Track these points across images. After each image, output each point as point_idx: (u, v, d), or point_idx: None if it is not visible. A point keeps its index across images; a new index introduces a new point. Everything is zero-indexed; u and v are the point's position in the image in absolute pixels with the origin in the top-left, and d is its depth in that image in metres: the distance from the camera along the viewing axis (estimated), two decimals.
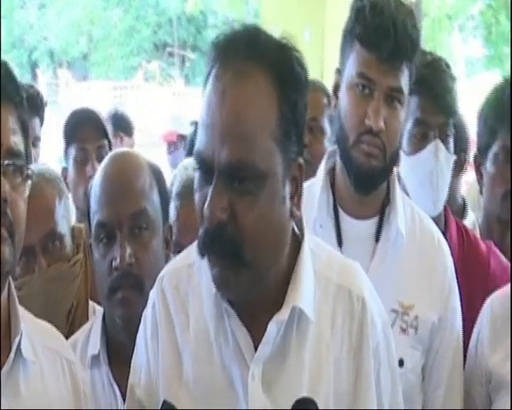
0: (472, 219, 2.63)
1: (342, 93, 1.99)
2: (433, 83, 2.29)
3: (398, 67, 1.91)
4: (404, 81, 1.94)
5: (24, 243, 1.85)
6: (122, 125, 4.90)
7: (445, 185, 2.37)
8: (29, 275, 1.93)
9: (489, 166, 2.45)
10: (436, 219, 2.29)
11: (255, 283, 1.46)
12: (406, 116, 2.01)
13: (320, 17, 6.16)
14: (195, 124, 3.68)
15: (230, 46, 1.44)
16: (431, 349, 2.03)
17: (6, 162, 1.45)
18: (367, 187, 1.99)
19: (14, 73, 1.53)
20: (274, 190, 1.44)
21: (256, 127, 1.40)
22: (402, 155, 2.35)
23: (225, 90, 1.41)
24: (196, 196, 1.46)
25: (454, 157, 2.41)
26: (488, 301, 2.03)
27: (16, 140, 1.48)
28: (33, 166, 1.64)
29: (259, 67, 1.42)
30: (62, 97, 19.03)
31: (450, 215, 2.44)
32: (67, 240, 2.06)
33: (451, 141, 2.38)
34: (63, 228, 2.05)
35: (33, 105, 3.35)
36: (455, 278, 2.06)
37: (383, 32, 1.89)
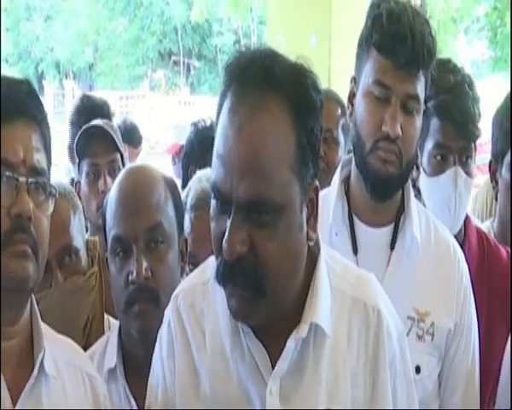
0: (487, 225, 2.62)
1: (358, 100, 1.99)
2: (455, 109, 2.26)
3: (414, 74, 1.92)
4: (421, 89, 1.94)
5: None
6: (130, 134, 4.94)
7: (463, 210, 2.34)
8: (45, 289, 1.93)
9: (504, 172, 2.44)
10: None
11: (273, 310, 1.46)
12: (421, 125, 2.00)
13: (326, 23, 6.14)
14: (195, 125, 3.61)
15: (245, 77, 1.41)
16: (447, 356, 2.03)
17: (30, 180, 1.47)
18: (383, 194, 1.99)
19: (37, 91, 1.54)
20: (292, 220, 1.43)
21: (274, 162, 1.39)
22: (422, 173, 2.36)
23: (242, 126, 1.38)
24: (212, 226, 1.45)
25: (474, 180, 2.38)
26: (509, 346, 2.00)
27: (39, 158, 1.50)
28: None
29: (276, 99, 1.40)
30: (69, 108, 19.08)
31: (471, 223, 2.42)
32: (83, 253, 2.07)
33: (472, 163, 2.34)
34: (78, 242, 2.06)
35: (101, 113, 3.46)
36: (470, 284, 2.06)
37: (400, 39, 1.89)
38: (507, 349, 2.01)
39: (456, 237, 2.14)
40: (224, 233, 1.40)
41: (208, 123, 3.54)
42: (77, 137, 3.05)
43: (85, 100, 3.68)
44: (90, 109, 3.55)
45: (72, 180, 3.16)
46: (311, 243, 1.53)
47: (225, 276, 1.42)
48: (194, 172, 2.60)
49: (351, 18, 6.07)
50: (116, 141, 3.02)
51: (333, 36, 6.05)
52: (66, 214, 2.03)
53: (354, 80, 2.03)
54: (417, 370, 1.94)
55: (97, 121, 3.10)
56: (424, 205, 2.25)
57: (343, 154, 2.96)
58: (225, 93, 1.44)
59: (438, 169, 2.32)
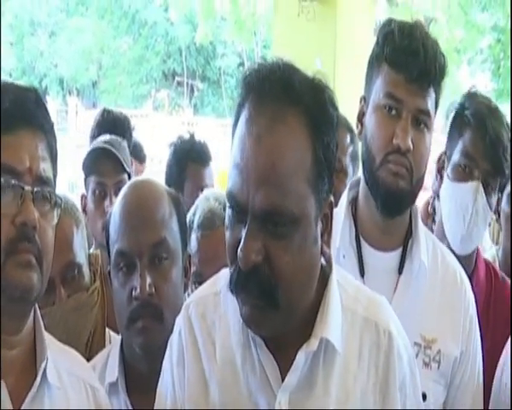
0: (492, 253, 2.62)
1: (369, 116, 1.98)
2: (490, 126, 2.23)
3: (425, 89, 1.90)
4: (431, 104, 1.93)
5: None
6: (135, 151, 4.93)
7: (476, 229, 2.30)
8: (48, 307, 1.91)
9: (504, 205, 2.45)
10: (466, 258, 2.28)
11: (286, 322, 1.46)
12: (431, 141, 1.98)
13: (331, 47, 6.17)
14: (172, 150, 3.62)
15: (265, 88, 1.42)
16: (452, 384, 2.01)
17: (36, 190, 1.45)
18: (393, 209, 1.97)
19: (44, 101, 1.53)
20: (307, 232, 1.43)
21: (291, 173, 1.39)
22: (445, 178, 2.33)
23: (260, 137, 1.39)
24: (227, 235, 1.45)
25: (490, 214, 2.35)
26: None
27: (45, 167, 1.48)
28: None
29: (294, 112, 1.41)
30: (71, 124, 19.13)
31: (481, 256, 2.41)
32: (85, 269, 2.05)
33: (494, 196, 2.31)
34: (81, 258, 2.03)
35: (121, 127, 3.53)
36: (476, 313, 2.05)
37: (412, 53, 1.89)
38: (500, 363, 1.99)
39: (465, 268, 2.12)
40: (239, 242, 1.40)
41: (187, 136, 3.59)
42: (86, 154, 3.05)
43: (106, 115, 3.69)
44: (111, 124, 3.56)
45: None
46: (325, 259, 1.53)
47: (239, 284, 1.43)
48: None
49: (355, 41, 6.11)
50: (123, 163, 3.02)
51: (337, 59, 6.08)
52: (69, 230, 2.00)
53: (364, 99, 2.02)
54: (423, 397, 1.90)
55: (108, 140, 3.09)
56: (434, 221, 2.24)
57: None
58: (243, 103, 1.44)
59: (461, 178, 2.29)
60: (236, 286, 1.44)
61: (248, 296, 1.43)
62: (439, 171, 2.39)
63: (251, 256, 1.39)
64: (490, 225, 2.46)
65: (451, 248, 2.25)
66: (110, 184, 2.95)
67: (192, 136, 3.63)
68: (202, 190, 3.53)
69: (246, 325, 1.49)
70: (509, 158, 2.25)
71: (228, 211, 1.45)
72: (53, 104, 21.07)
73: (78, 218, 2.10)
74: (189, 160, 3.50)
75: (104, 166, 2.99)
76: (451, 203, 2.31)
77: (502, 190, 2.33)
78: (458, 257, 2.15)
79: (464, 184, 2.28)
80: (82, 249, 2.05)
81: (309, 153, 1.42)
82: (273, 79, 1.42)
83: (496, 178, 2.28)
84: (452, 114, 2.35)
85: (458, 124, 2.30)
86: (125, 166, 3.00)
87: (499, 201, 2.45)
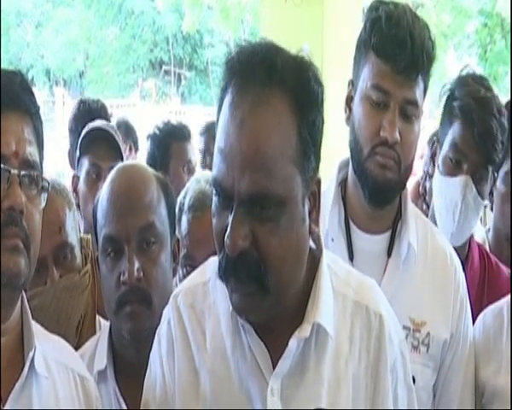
0: (482, 235, 2.61)
1: (356, 104, 1.96)
2: (479, 119, 2.21)
3: (413, 79, 1.89)
4: (419, 94, 1.91)
5: None
6: (133, 136, 4.96)
7: (468, 224, 2.30)
8: (40, 286, 1.90)
9: (499, 184, 2.43)
10: (460, 246, 2.27)
11: (276, 306, 1.45)
12: (420, 129, 1.97)
13: (318, 31, 6.15)
14: (151, 138, 3.74)
15: (247, 71, 1.40)
16: (442, 367, 2.00)
17: (22, 173, 1.43)
18: (381, 200, 1.96)
19: (30, 84, 1.51)
20: (294, 213, 1.42)
21: (276, 156, 1.38)
22: (436, 172, 2.33)
23: (244, 120, 1.38)
24: (214, 221, 1.44)
25: (484, 203, 2.35)
26: (481, 315, 2.03)
27: (32, 151, 1.47)
28: None
29: (277, 93, 1.40)
30: (59, 115, 19.03)
31: (474, 241, 2.41)
32: (77, 251, 2.04)
33: (486, 186, 2.30)
34: (73, 239, 2.03)
35: (98, 116, 3.51)
36: (467, 294, 2.04)
37: (400, 44, 1.86)
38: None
39: (458, 253, 2.11)
40: (226, 229, 1.39)
41: (163, 124, 3.74)
42: (83, 133, 3.06)
43: (82, 106, 3.69)
44: (87, 114, 3.56)
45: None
46: (313, 240, 1.52)
47: (228, 271, 1.42)
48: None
49: (343, 26, 6.09)
50: (120, 147, 3.02)
51: (325, 44, 6.05)
52: (62, 211, 2.01)
53: (352, 83, 2.00)
54: (412, 380, 1.92)
55: (104, 124, 3.10)
56: (428, 206, 2.23)
57: None
58: (226, 87, 1.42)
59: (450, 171, 2.29)
60: (225, 273, 1.43)
61: (237, 283, 1.42)
62: (433, 157, 2.39)
63: (238, 242, 1.38)
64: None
65: None
66: (105, 167, 2.94)
67: (168, 120, 3.74)
68: (188, 166, 3.61)
69: (236, 313, 1.48)
70: (499, 147, 2.24)
71: (214, 198, 1.44)
72: (40, 95, 20.94)
73: (70, 200, 2.10)
74: (171, 138, 3.66)
75: (101, 148, 3.00)
76: (442, 198, 2.31)
77: (497, 170, 2.32)
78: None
79: (453, 178, 2.27)
80: (74, 231, 2.05)
81: (294, 133, 1.40)
82: (255, 62, 1.40)
83: (487, 169, 2.27)
84: (443, 100, 2.33)
85: (448, 112, 2.29)
86: (121, 150, 3.01)
87: (493, 190, 2.45)
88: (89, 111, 3.63)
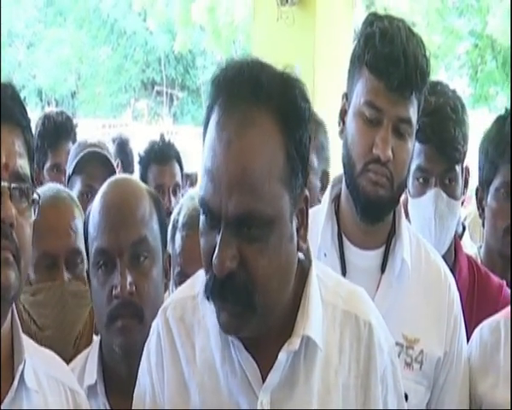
0: (474, 251, 2.61)
1: (349, 120, 1.95)
2: (433, 134, 2.24)
3: (407, 97, 1.88)
4: (413, 111, 1.91)
5: (49, 250, 1.90)
6: (130, 156, 4.97)
7: (445, 232, 2.32)
8: (48, 282, 1.89)
9: (490, 200, 2.44)
10: (446, 254, 2.28)
11: (264, 324, 1.45)
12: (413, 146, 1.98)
13: (310, 51, 6.18)
14: (141, 159, 3.78)
15: (233, 90, 1.40)
16: (436, 385, 1.99)
17: (13, 186, 1.43)
18: (373, 217, 1.96)
19: (21, 97, 1.51)
20: (283, 232, 1.42)
21: (263, 176, 1.38)
22: (408, 197, 2.35)
23: (230, 142, 1.37)
24: (202, 242, 1.44)
25: (459, 202, 2.36)
26: (477, 329, 2.03)
27: (22, 164, 1.46)
28: (52, 186, 1.58)
29: (264, 111, 1.39)
30: None
31: (461, 250, 2.41)
32: (85, 262, 2.04)
33: (457, 185, 2.32)
34: (82, 249, 2.03)
35: (65, 131, 3.47)
36: (461, 311, 2.03)
37: (393, 61, 1.86)
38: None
39: (446, 261, 2.11)
40: (214, 249, 1.38)
41: (148, 145, 3.79)
42: (79, 155, 3.05)
43: (46, 122, 3.59)
44: (53, 130, 3.51)
45: None
46: (301, 254, 1.52)
47: (215, 292, 1.41)
48: None
49: (334, 46, 6.12)
50: (113, 166, 3.02)
51: (316, 64, 6.08)
52: (75, 217, 2.05)
53: (346, 97, 1.99)
54: (405, 398, 1.89)
55: (99, 144, 3.10)
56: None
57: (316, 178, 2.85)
58: (212, 106, 1.42)
59: (420, 191, 2.32)
60: (212, 294, 1.42)
61: (225, 303, 1.42)
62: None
63: (225, 263, 1.37)
64: (463, 204, 2.45)
65: None
66: (98, 187, 2.93)
67: (155, 140, 3.76)
68: (163, 189, 3.60)
69: (223, 331, 1.47)
70: (460, 145, 2.27)
71: (201, 218, 1.43)
72: (32, 115, 20.91)
73: (80, 207, 2.13)
74: (149, 161, 3.67)
75: (95, 168, 3.00)
76: (416, 220, 2.34)
77: (457, 163, 2.31)
78: None
79: (423, 197, 2.31)
80: (82, 242, 2.04)
81: (281, 151, 1.40)
82: (241, 80, 1.40)
83: (454, 169, 2.30)
84: None
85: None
86: (114, 168, 3.01)
87: (479, 193, 2.45)
88: (54, 127, 3.54)
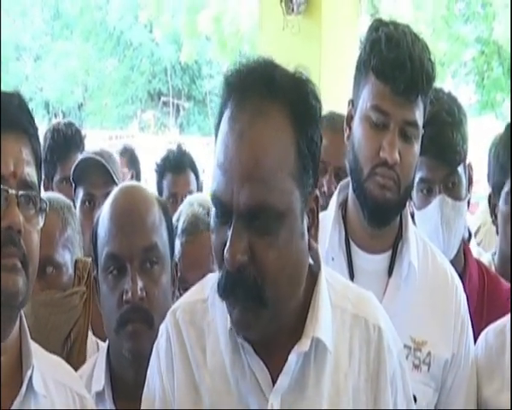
0: (488, 258, 2.59)
1: (356, 124, 1.96)
2: (431, 144, 2.18)
3: (413, 101, 1.89)
4: (419, 115, 1.92)
5: None
6: (137, 165, 4.99)
7: (453, 235, 2.31)
8: None
9: (502, 205, 2.42)
10: (455, 259, 2.28)
11: (275, 321, 1.45)
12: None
13: (316, 59, 6.19)
14: (157, 167, 3.79)
15: (246, 85, 1.41)
16: (444, 387, 1.99)
17: (20, 193, 1.44)
18: (381, 220, 1.96)
19: (28, 106, 1.52)
20: (293, 227, 1.43)
21: (275, 169, 1.39)
22: (414, 210, 2.35)
23: (243, 133, 1.38)
24: (213, 238, 1.44)
25: (465, 202, 2.35)
26: (483, 333, 2.03)
27: (30, 171, 1.48)
28: (44, 194, 1.61)
29: (276, 106, 1.40)
30: None
31: (471, 254, 2.41)
32: (66, 270, 2.05)
33: (461, 186, 2.31)
34: (62, 257, 2.04)
35: (74, 143, 3.47)
36: (468, 314, 2.03)
37: (399, 66, 1.87)
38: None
39: (455, 267, 2.11)
40: (225, 244, 1.38)
41: (164, 154, 3.81)
42: (75, 164, 3.06)
43: (56, 135, 3.58)
44: (63, 143, 3.51)
45: None
46: (312, 256, 1.52)
47: (227, 288, 1.42)
48: None
49: (340, 54, 6.13)
50: (113, 174, 3.02)
51: (322, 72, 6.09)
52: (52, 227, 2.01)
53: (352, 103, 2.00)
54: (414, 400, 1.90)
55: (99, 152, 3.11)
56: None
57: None
58: (226, 103, 1.43)
59: (425, 202, 2.31)
60: (224, 290, 1.43)
61: (236, 299, 1.42)
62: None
63: (237, 256, 1.38)
64: (469, 203, 2.43)
65: None
66: (99, 195, 2.95)
67: (172, 148, 3.78)
68: (176, 198, 3.61)
69: (235, 329, 1.47)
70: (460, 147, 2.25)
71: (213, 214, 1.44)
72: (39, 128, 20.97)
73: (67, 219, 2.11)
74: (165, 169, 3.69)
75: (94, 176, 3.02)
76: (424, 231, 2.29)
77: (458, 165, 2.30)
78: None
79: (428, 207, 2.30)
80: (66, 250, 2.06)
81: (292, 147, 1.41)
82: (254, 76, 1.42)
83: (456, 172, 2.29)
84: None
85: None
86: (114, 177, 3.00)
87: (492, 200, 2.43)
88: (64, 140, 3.53)
